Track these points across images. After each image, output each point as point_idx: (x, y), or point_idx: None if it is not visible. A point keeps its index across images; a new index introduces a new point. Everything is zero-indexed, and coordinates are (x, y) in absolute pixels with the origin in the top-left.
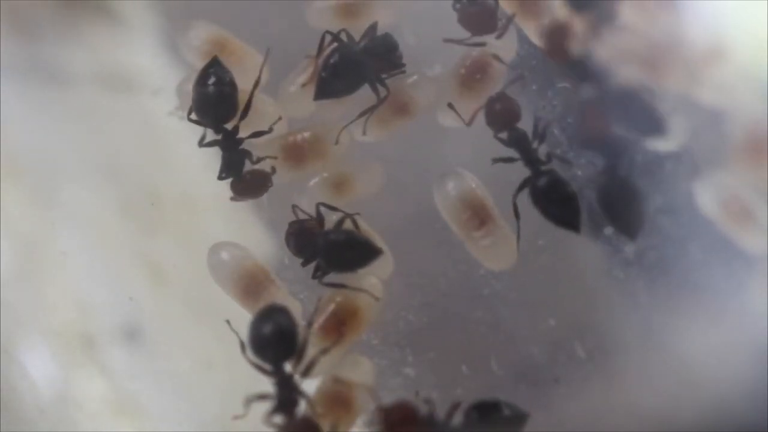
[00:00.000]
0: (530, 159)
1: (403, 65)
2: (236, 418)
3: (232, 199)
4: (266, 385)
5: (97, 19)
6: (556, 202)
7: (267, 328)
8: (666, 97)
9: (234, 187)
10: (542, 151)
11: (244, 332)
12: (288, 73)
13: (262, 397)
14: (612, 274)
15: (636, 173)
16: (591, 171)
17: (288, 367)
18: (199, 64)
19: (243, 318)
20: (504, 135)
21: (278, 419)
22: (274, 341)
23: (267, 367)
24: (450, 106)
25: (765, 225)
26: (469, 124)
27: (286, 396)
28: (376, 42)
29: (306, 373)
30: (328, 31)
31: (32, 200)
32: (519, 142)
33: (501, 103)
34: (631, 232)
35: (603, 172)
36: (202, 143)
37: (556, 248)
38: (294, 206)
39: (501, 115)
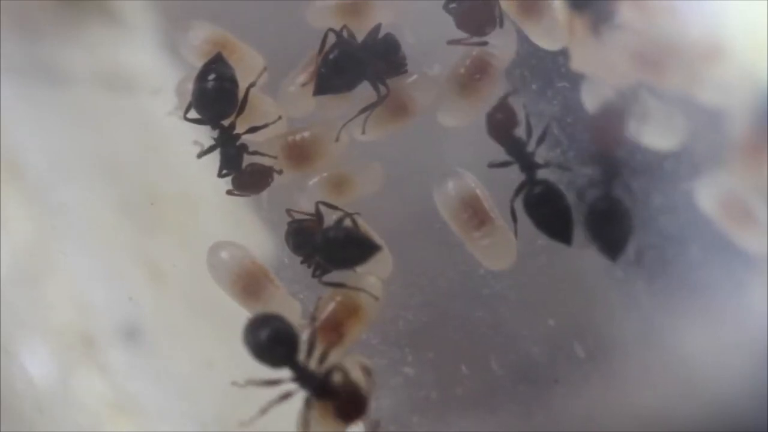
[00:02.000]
0: (527, 165)
1: (406, 66)
2: (242, 425)
3: (228, 192)
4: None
5: (97, 19)
6: (549, 214)
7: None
8: (666, 97)
9: (235, 181)
10: (541, 152)
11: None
12: (288, 72)
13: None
14: (612, 274)
15: (628, 195)
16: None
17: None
18: (199, 64)
19: (243, 318)
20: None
21: None
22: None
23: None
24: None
25: (765, 225)
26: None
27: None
28: (378, 43)
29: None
30: (331, 29)
31: (32, 200)
32: (516, 148)
33: (501, 112)
34: (612, 254)
35: (594, 185)
36: (200, 154)
37: (555, 249)
38: (288, 210)
39: (502, 125)
